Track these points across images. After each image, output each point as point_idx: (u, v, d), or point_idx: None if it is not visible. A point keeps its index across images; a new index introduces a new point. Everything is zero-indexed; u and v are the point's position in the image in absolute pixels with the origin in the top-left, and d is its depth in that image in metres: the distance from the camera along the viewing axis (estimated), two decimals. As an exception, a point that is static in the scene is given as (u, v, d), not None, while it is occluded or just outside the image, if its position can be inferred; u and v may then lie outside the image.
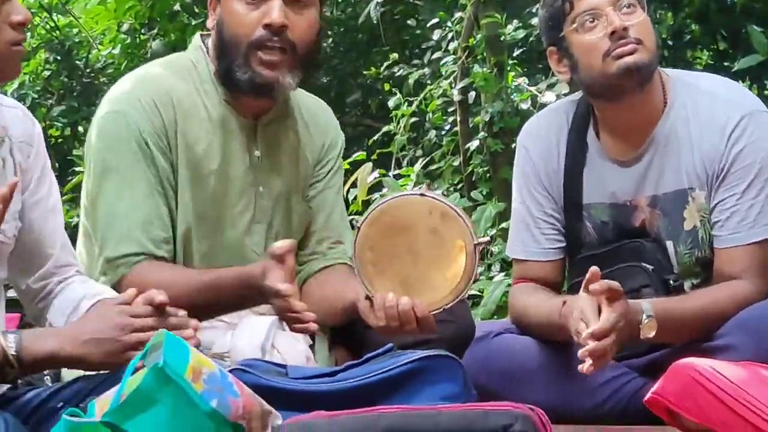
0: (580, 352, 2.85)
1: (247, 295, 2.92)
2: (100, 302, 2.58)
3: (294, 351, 2.90)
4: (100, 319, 2.43)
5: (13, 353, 2.35)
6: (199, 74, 3.11)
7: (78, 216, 7.58)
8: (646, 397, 2.86)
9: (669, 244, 3.26)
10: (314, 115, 3.31)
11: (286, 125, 3.21)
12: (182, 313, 2.49)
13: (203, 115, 3.07)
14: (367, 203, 6.22)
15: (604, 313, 2.88)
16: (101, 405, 2.14)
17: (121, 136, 3.00)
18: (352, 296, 2.96)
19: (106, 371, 2.51)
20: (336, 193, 3.34)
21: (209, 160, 3.06)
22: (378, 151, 7.08)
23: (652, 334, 2.99)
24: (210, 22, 3.12)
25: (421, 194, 2.99)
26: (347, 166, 6.34)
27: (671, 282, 3.23)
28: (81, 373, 2.76)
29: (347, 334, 3.15)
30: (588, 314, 2.88)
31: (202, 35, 3.22)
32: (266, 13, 2.98)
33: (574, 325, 2.91)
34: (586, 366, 2.83)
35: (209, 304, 2.86)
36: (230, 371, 2.33)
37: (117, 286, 2.86)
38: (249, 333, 2.89)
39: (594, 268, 2.95)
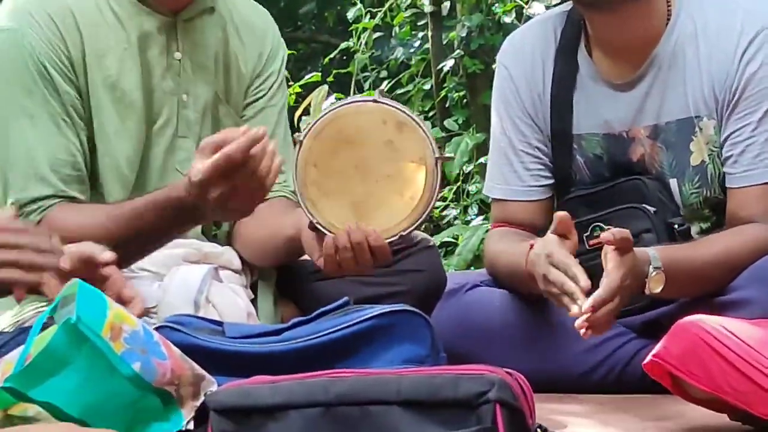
0: (577, 323, 2.87)
1: (172, 217, 2.85)
2: None
3: (232, 306, 2.92)
4: None
5: None
6: None
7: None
8: (645, 361, 2.89)
9: (673, 182, 3.29)
10: (248, 18, 3.31)
11: (211, 22, 3.20)
12: (98, 249, 2.45)
13: (111, 20, 3.07)
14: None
15: (609, 272, 2.91)
16: (4, 369, 2.15)
17: (13, 61, 3.00)
18: (292, 230, 2.95)
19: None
20: (278, 113, 3.32)
21: (123, 76, 3.06)
22: (335, 71, 7.11)
23: (659, 288, 3.01)
24: None
25: (374, 101, 2.90)
26: (298, 89, 6.39)
27: (676, 226, 3.25)
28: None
29: (295, 285, 3.17)
30: (570, 266, 2.90)
31: None
32: None
33: (540, 271, 2.94)
34: (581, 332, 2.87)
35: (133, 240, 2.83)
36: (156, 329, 2.34)
37: None
38: (179, 284, 2.90)
39: (562, 214, 2.99)
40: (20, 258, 2.34)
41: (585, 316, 2.85)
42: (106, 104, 3.04)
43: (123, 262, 2.58)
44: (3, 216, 2.48)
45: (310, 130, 2.87)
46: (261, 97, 3.29)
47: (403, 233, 2.87)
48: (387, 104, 2.91)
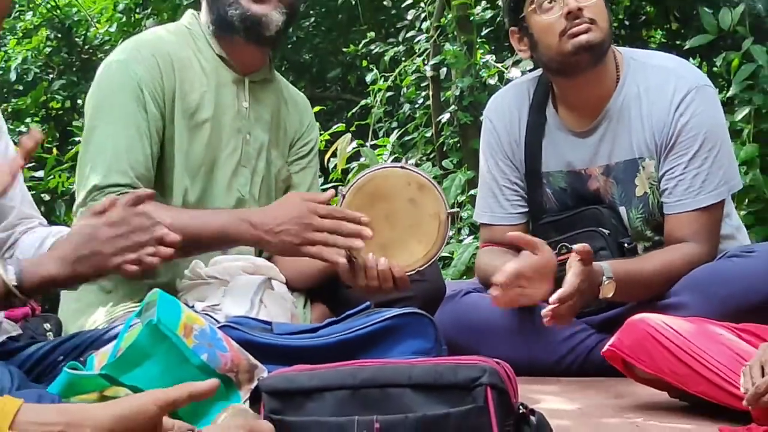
0: (543, 311, 2.88)
1: (229, 232, 2.88)
2: (78, 226, 2.47)
3: (280, 308, 2.90)
4: (80, 235, 2.33)
5: (14, 284, 2.31)
6: (193, 35, 3.13)
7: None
8: (603, 350, 2.88)
9: (622, 210, 3.29)
10: (294, 96, 3.35)
11: (270, 88, 3.23)
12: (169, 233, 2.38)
13: (197, 68, 3.08)
14: (346, 172, 6.22)
15: (569, 277, 2.91)
16: (100, 359, 2.15)
17: (119, 81, 3.01)
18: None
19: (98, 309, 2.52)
20: (314, 173, 3.36)
21: (204, 109, 3.07)
22: (356, 123, 7.06)
23: (611, 294, 3.02)
24: None
25: (401, 167, 2.99)
26: (327, 137, 6.36)
27: (626, 245, 3.26)
28: (80, 326, 2.77)
29: (325, 293, 3.15)
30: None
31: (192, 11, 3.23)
32: None
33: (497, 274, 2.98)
34: (545, 320, 2.88)
35: (193, 237, 2.79)
36: (219, 327, 2.34)
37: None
38: (239, 290, 2.88)
39: (513, 234, 3.05)
40: (137, 240, 2.32)
41: (550, 307, 2.87)
42: (182, 130, 3.04)
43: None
44: (100, 207, 2.37)
45: (352, 186, 2.93)
46: (302, 157, 3.31)
47: (419, 269, 2.92)
48: (411, 170, 2.97)
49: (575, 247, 2.93)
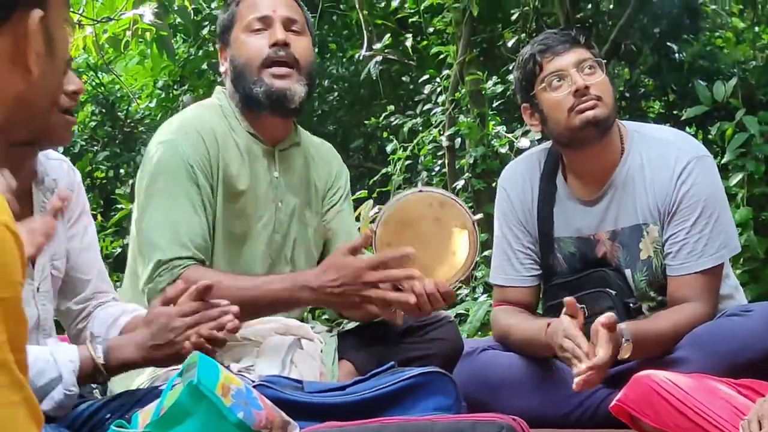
0: (577, 379, 2.86)
1: (290, 298, 2.92)
2: (152, 308, 2.57)
3: (309, 367, 2.89)
4: (156, 324, 2.43)
5: (102, 362, 2.37)
6: (225, 112, 3.13)
7: (121, 246, 7.62)
8: (611, 405, 2.87)
9: (628, 272, 3.27)
10: (319, 150, 3.33)
11: (297, 152, 3.23)
12: (224, 302, 2.49)
13: (233, 144, 3.08)
14: (368, 234, 6.22)
15: (603, 348, 2.89)
16: (144, 417, 2.15)
17: (170, 159, 3.00)
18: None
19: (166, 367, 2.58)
20: (350, 214, 3.37)
21: (240, 182, 3.07)
22: (378, 189, 7.06)
23: (628, 355, 3.00)
24: (222, 68, 3.18)
25: (419, 190, 3.03)
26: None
27: (631, 305, 3.24)
28: (126, 386, 2.77)
29: (353, 350, 3.14)
30: (578, 338, 2.91)
31: (220, 86, 3.25)
32: (271, 36, 3.04)
33: (557, 342, 2.94)
34: (575, 386, 2.87)
35: (253, 304, 2.81)
36: (254, 387, 2.34)
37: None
38: (271, 350, 2.88)
39: (570, 299, 2.99)
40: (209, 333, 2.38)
41: (584, 375, 2.86)
42: (223, 201, 3.04)
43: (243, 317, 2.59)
44: (172, 295, 2.49)
45: (379, 221, 2.94)
46: (336, 204, 3.29)
47: (461, 279, 2.96)
48: (428, 191, 3.04)
49: (603, 318, 2.92)
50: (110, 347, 2.39)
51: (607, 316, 2.92)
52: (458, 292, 6.36)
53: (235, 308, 2.48)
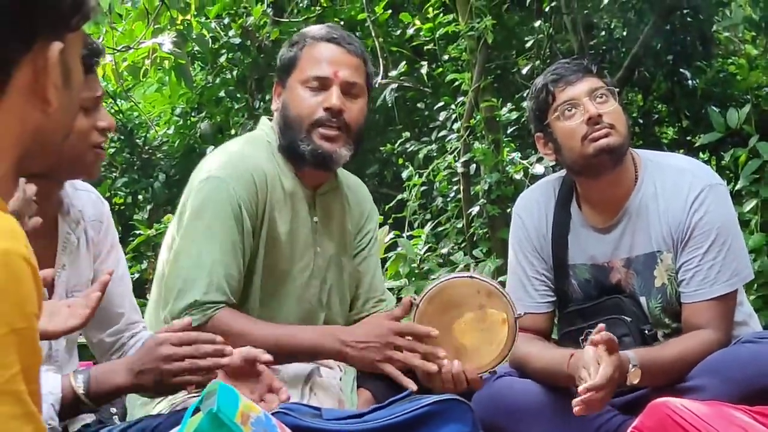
0: (575, 400, 2.86)
1: (315, 354, 2.95)
2: (150, 337, 2.57)
3: (327, 394, 2.89)
4: (147, 352, 2.40)
5: (82, 392, 2.35)
6: (273, 151, 3.10)
7: (139, 272, 7.61)
8: (627, 431, 2.87)
9: (642, 299, 3.27)
10: (354, 189, 3.32)
11: (336, 196, 3.22)
12: (219, 339, 2.48)
13: (280, 186, 3.06)
14: (384, 260, 6.22)
15: (602, 368, 2.89)
16: (165, 443, 2.16)
17: (219, 198, 2.96)
18: None
19: (163, 397, 2.55)
20: (376, 259, 3.36)
21: (283, 224, 3.06)
22: (393, 215, 7.09)
23: (636, 380, 2.99)
24: (274, 105, 3.14)
25: (470, 276, 3.02)
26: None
27: (646, 331, 3.24)
28: (146, 411, 2.78)
29: (370, 377, 3.14)
30: (592, 367, 2.90)
31: (269, 118, 3.23)
32: (327, 99, 3.01)
33: (578, 373, 2.92)
34: (576, 409, 2.86)
35: (280, 354, 2.79)
36: (273, 414, 2.34)
37: (202, 327, 2.80)
38: (291, 378, 2.88)
39: (601, 325, 2.99)
40: (196, 365, 2.36)
41: (582, 397, 2.85)
42: (264, 243, 3.03)
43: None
44: (178, 328, 2.48)
45: (425, 296, 2.96)
46: (364, 248, 3.29)
47: (491, 370, 2.97)
48: (479, 279, 3.01)
49: (597, 336, 2.92)
50: (93, 376, 2.36)
51: (605, 335, 2.91)
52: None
53: (269, 357, 2.53)
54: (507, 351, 2.95)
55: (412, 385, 2.83)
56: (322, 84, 3.02)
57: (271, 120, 3.19)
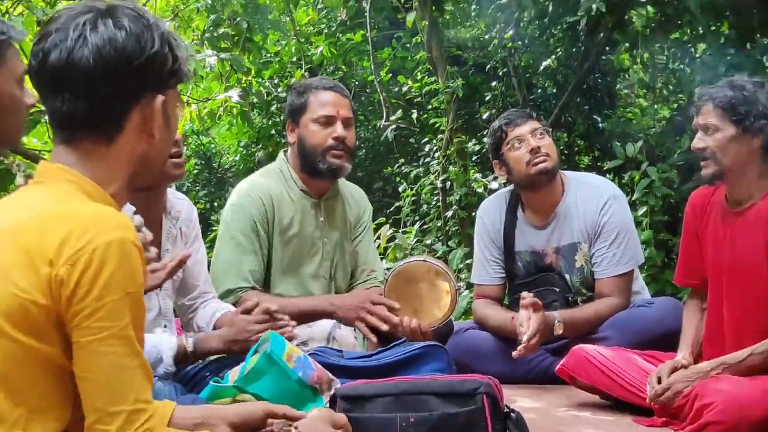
0: (514, 353, 2.87)
1: (317, 310, 2.96)
2: (232, 313, 2.57)
3: (346, 340, 2.89)
4: (236, 326, 2.43)
5: (191, 350, 2.37)
6: (284, 175, 3.11)
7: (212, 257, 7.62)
8: (556, 368, 2.86)
9: (567, 276, 3.26)
10: (353, 194, 3.30)
11: (337, 200, 3.20)
12: (286, 317, 2.48)
13: (288, 200, 3.06)
14: (386, 249, 6.21)
15: (531, 323, 2.89)
16: (233, 375, 2.14)
17: (240, 218, 3.01)
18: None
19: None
20: (369, 240, 3.31)
21: (292, 228, 3.05)
22: (393, 217, 7.08)
23: (560, 332, 3.00)
24: (291, 138, 3.12)
25: (424, 260, 3.03)
26: (374, 227, 6.38)
27: (570, 298, 3.23)
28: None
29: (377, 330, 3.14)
30: (525, 324, 2.91)
31: (284, 151, 3.21)
32: (334, 130, 3.02)
33: (518, 330, 2.93)
34: (515, 353, 2.86)
35: (300, 315, 2.81)
36: (309, 355, 2.33)
37: (236, 304, 2.81)
38: (319, 330, 2.88)
39: (525, 293, 2.99)
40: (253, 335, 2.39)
41: (521, 346, 2.86)
42: (278, 244, 3.03)
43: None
44: (249, 306, 2.49)
45: (392, 273, 2.98)
46: (360, 234, 3.27)
47: (439, 325, 2.96)
48: (431, 262, 3.03)
49: (524, 302, 2.93)
50: (198, 339, 2.39)
51: (530, 299, 2.93)
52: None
53: (293, 322, 2.50)
54: (450, 312, 2.95)
55: (373, 338, 2.87)
56: (329, 120, 3.03)
57: (286, 152, 3.17)
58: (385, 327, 2.85)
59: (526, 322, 2.90)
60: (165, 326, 2.55)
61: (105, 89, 1.35)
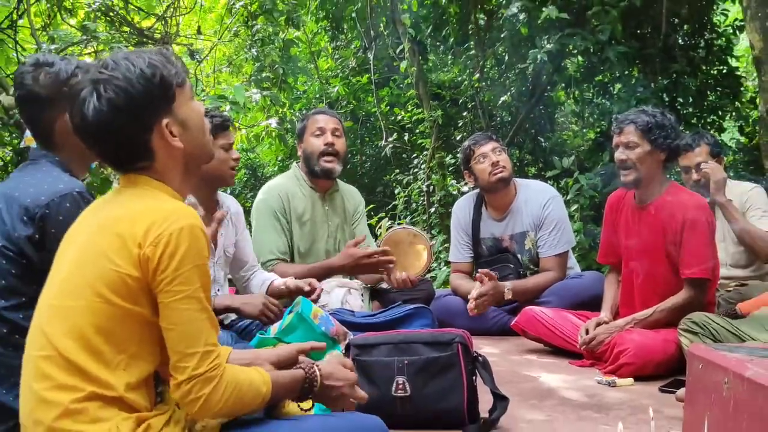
0: (468, 306, 2.88)
1: (328, 269, 2.88)
2: (273, 286, 2.55)
3: (356, 304, 2.88)
4: (255, 299, 2.39)
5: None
6: (297, 177, 3.07)
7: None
8: (511, 324, 2.87)
9: (519, 256, 3.26)
10: (349, 191, 3.24)
11: (337, 195, 3.15)
12: (318, 286, 2.45)
13: (300, 196, 3.03)
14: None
15: (478, 287, 2.92)
16: (273, 329, 2.12)
17: (265, 210, 2.97)
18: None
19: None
20: (363, 225, 3.23)
21: (305, 215, 3.02)
22: (391, 213, 7.07)
23: (510, 297, 3.01)
24: (299, 151, 3.10)
25: (403, 227, 2.99)
26: (375, 221, 6.37)
27: (521, 272, 3.23)
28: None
29: (378, 294, 3.14)
30: (473, 291, 2.95)
31: (296, 161, 3.18)
32: (324, 139, 2.99)
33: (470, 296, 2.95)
34: (470, 312, 2.87)
35: (312, 275, 2.76)
36: (329, 314, 2.33)
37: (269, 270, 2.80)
38: (335, 296, 2.86)
39: (483, 270, 3.00)
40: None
41: (471, 303, 2.89)
42: (295, 229, 2.99)
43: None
44: (291, 286, 2.46)
45: (383, 239, 2.96)
46: (357, 221, 3.21)
47: (422, 275, 2.92)
48: (411, 229, 2.98)
49: (476, 276, 2.96)
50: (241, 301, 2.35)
51: (485, 271, 2.95)
52: (431, 266, 6.33)
53: (319, 288, 2.46)
54: (428, 265, 2.91)
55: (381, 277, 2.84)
56: (321, 131, 3.00)
57: (298, 162, 3.14)
58: (378, 277, 2.81)
59: (475, 290, 2.95)
60: (218, 290, 2.54)
61: (117, 140, 1.30)
